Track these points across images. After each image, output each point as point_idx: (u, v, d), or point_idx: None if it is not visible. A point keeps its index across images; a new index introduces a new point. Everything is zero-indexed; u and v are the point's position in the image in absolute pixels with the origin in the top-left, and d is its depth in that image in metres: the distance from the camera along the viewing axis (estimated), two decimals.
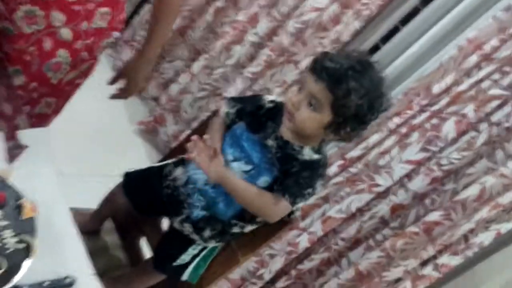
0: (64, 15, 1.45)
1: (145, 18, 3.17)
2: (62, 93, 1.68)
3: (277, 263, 2.43)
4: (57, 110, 1.75)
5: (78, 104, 1.81)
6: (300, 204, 1.60)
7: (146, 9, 3.21)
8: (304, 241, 2.37)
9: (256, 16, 2.81)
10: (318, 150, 1.60)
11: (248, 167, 1.63)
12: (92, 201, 2.05)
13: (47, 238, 1.23)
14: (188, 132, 2.92)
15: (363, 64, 1.47)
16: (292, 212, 1.62)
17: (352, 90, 1.42)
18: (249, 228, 1.73)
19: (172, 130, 3.13)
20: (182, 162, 1.80)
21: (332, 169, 2.37)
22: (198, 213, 1.73)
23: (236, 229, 1.73)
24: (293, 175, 1.57)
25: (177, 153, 1.92)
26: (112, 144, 2.95)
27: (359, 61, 1.47)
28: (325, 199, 2.39)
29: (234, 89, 2.85)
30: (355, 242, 2.31)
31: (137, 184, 1.87)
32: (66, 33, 1.49)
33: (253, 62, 2.80)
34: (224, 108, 1.74)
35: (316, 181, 1.58)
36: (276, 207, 1.56)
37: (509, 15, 2.11)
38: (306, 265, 2.40)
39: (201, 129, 1.83)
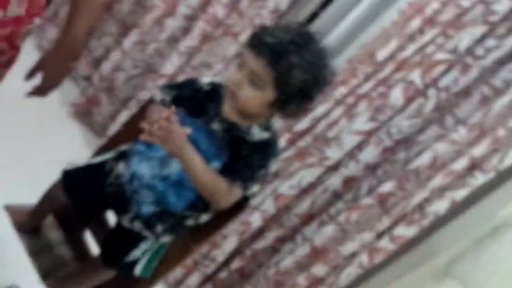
0: None
1: None
2: None
3: (230, 244, 2.40)
4: None
5: (2, 91, 1.67)
6: (255, 188, 1.55)
7: None
8: (256, 220, 2.34)
9: None
10: (266, 127, 1.54)
11: None
12: (30, 194, 1.92)
13: None
14: (125, 113, 2.81)
15: (304, 37, 1.42)
16: (248, 197, 1.58)
17: (294, 65, 1.38)
18: (203, 218, 1.66)
19: (107, 110, 3.01)
20: (123, 156, 1.71)
21: (280, 144, 2.31)
22: (147, 209, 1.65)
23: (190, 221, 1.67)
24: (243, 158, 1.52)
25: (114, 143, 1.82)
26: (45, 130, 2.81)
27: (299, 34, 1.43)
28: (275, 175, 2.34)
29: (170, 65, 2.73)
30: (308, 218, 2.29)
31: (77, 185, 1.77)
32: None
33: (188, 36, 2.68)
34: (158, 97, 1.65)
35: (269, 161, 1.54)
36: (227, 196, 1.52)
37: None
38: (260, 243, 2.38)
39: (136, 120, 1.73)
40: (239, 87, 1.43)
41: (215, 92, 1.57)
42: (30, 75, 1.58)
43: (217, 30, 2.61)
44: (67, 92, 3.08)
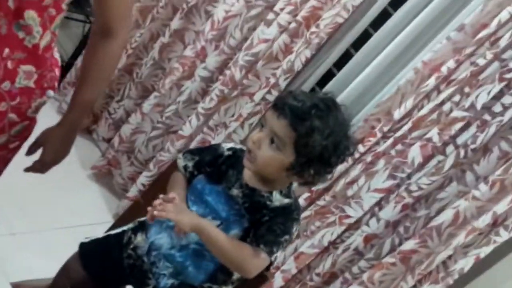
0: None
1: None
2: None
3: None
4: None
5: (23, 153, 1.62)
6: (278, 253, 1.51)
7: None
8: (278, 280, 2.31)
9: (204, 50, 2.73)
10: (287, 194, 1.53)
11: (216, 223, 1.53)
12: (50, 257, 1.90)
13: None
14: (145, 174, 2.83)
15: (328, 104, 1.42)
16: (270, 264, 1.53)
17: (315, 129, 1.37)
18: None
19: (127, 172, 3.03)
20: (141, 228, 1.69)
21: (299, 203, 2.30)
22: (165, 282, 1.61)
23: None
24: (265, 223, 1.49)
25: (133, 212, 1.82)
26: (67, 193, 2.82)
27: (323, 100, 1.42)
28: (296, 235, 2.32)
29: (188, 126, 2.76)
30: (331, 277, 2.26)
31: (95, 257, 1.74)
32: None
33: (206, 98, 2.72)
34: (181, 162, 1.65)
35: (292, 227, 1.51)
36: (255, 260, 1.46)
37: (462, 34, 2.08)
38: None
39: (158, 185, 1.75)
40: (258, 147, 1.42)
41: (236, 158, 1.56)
42: (30, 151, 1.53)
43: (234, 91, 2.64)
44: (88, 154, 3.12)
